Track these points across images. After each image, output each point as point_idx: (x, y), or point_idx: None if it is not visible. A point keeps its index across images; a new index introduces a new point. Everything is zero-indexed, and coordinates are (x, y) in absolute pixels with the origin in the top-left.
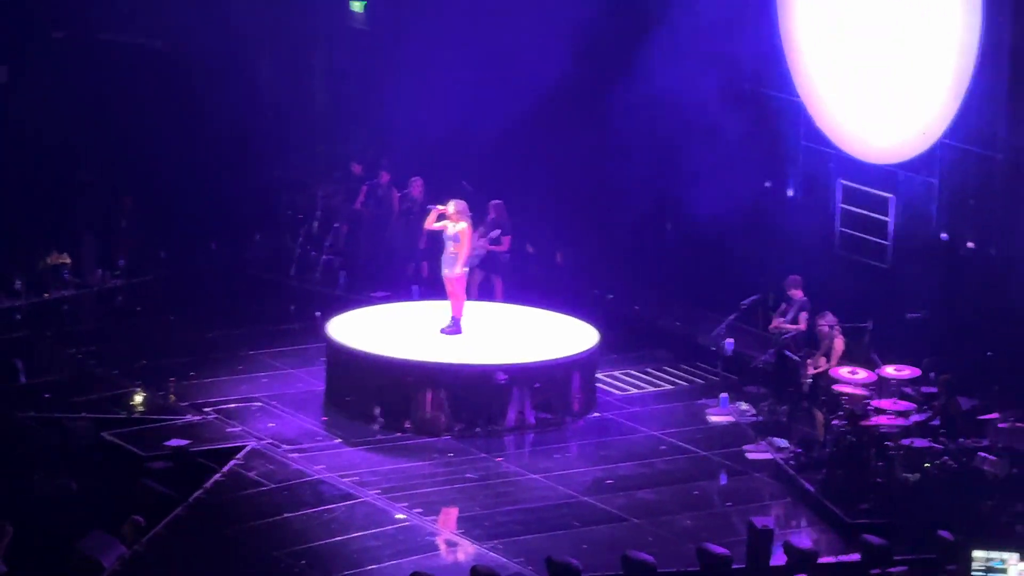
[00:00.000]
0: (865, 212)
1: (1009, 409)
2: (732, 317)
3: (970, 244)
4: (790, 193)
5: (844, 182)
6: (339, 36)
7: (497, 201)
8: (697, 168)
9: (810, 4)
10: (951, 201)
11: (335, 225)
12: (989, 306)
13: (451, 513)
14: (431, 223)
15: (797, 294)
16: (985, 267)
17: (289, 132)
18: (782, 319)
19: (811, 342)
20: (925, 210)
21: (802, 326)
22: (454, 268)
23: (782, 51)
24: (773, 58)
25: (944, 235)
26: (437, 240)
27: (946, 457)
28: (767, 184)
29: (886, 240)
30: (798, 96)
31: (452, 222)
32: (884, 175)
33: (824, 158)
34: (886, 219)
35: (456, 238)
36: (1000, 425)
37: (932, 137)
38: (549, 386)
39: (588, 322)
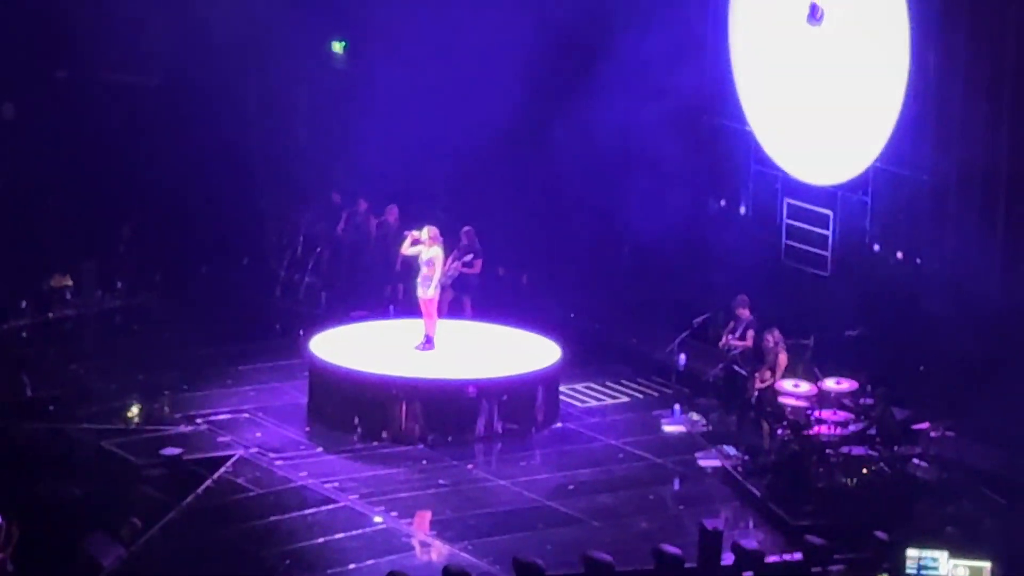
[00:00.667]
0: (808, 227)
1: (939, 419)
2: (685, 334)
3: (899, 254)
4: (742, 210)
5: (789, 200)
6: (320, 75)
7: (467, 228)
8: (655, 193)
9: (756, 42)
10: (883, 217)
11: (317, 250)
12: (916, 313)
13: (425, 516)
14: (407, 248)
15: (744, 313)
16: (913, 276)
17: (274, 164)
18: (731, 336)
19: (757, 357)
20: (860, 225)
21: (749, 343)
22: (427, 290)
23: (734, 85)
24: (726, 91)
25: (876, 246)
26: (411, 263)
27: (882, 464)
28: (722, 203)
29: (826, 251)
30: (748, 125)
31: (426, 247)
32: (824, 194)
33: (772, 179)
34: (826, 233)
35: (430, 262)
36: (931, 434)
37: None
38: (515, 399)
39: (551, 339)
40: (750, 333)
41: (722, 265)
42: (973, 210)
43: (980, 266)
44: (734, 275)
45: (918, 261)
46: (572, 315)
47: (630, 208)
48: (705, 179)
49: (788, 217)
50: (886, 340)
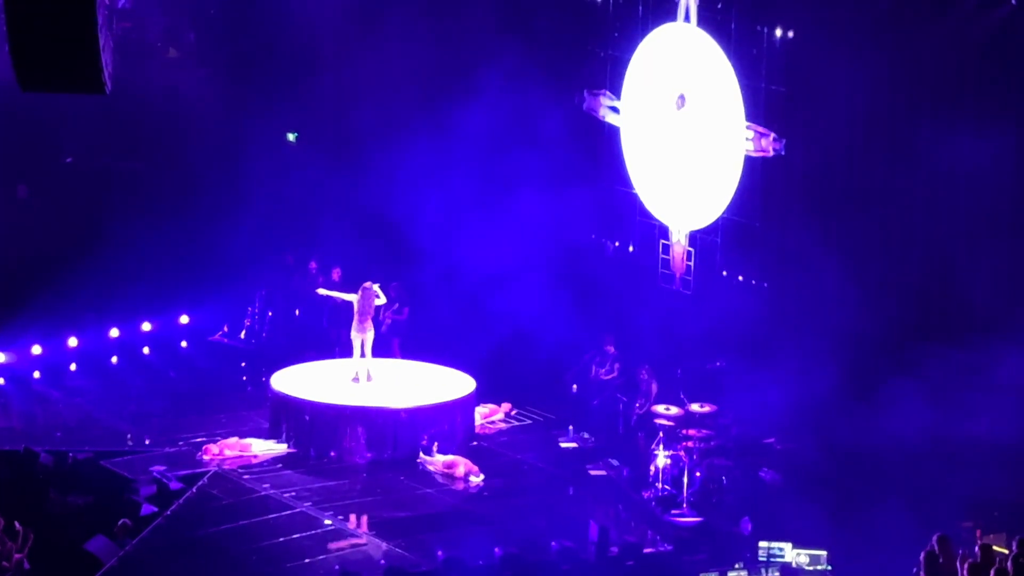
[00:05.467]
0: (676, 259)
1: (781, 435)
2: (575, 369)
3: (740, 277)
4: (630, 249)
5: (664, 241)
6: (277, 158)
7: (395, 283)
8: (566, 241)
9: (637, 128)
10: (728, 251)
11: (275, 302)
12: (763, 336)
13: (365, 519)
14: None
15: (610, 349)
16: (759, 294)
17: (239, 231)
18: (601, 370)
19: (633, 386)
20: (712, 257)
21: (616, 374)
22: (355, 331)
23: (624, 160)
24: (617, 163)
25: (724, 272)
26: (350, 311)
27: (737, 472)
28: (616, 243)
29: (690, 276)
30: (634, 189)
31: (356, 297)
32: (689, 236)
33: (651, 228)
34: (690, 263)
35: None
36: (776, 447)
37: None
38: (439, 422)
39: (468, 373)
40: (616, 366)
41: (616, 288)
42: (777, 246)
43: (797, 285)
44: (625, 295)
45: (753, 282)
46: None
47: (550, 259)
48: (604, 228)
49: (663, 254)
50: (738, 369)
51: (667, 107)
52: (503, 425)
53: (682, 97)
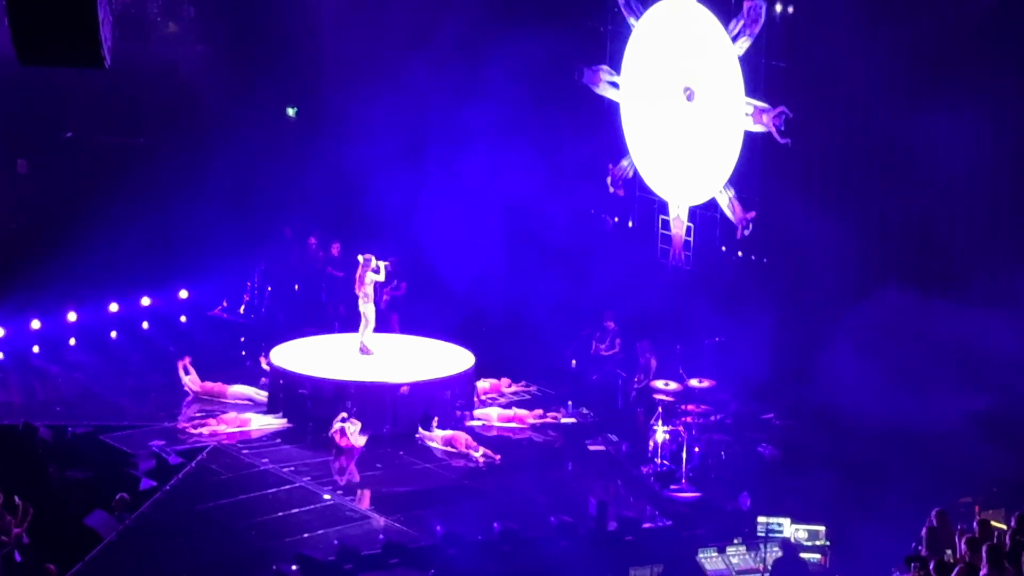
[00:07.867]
0: (675, 234)
1: (779, 410)
2: (575, 344)
3: (739, 253)
4: (630, 224)
5: (663, 217)
6: (276, 132)
7: (392, 259)
8: (569, 214)
9: (639, 111)
10: (727, 228)
11: (274, 276)
12: (759, 310)
13: (365, 494)
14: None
15: (610, 325)
16: (758, 270)
17: (237, 206)
18: (601, 346)
19: (632, 361)
20: (712, 233)
21: (616, 349)
22: (363, 303)
23: (624, 138)
24: (618, 142)
25: (723, 247)
26: (349, 286)
27: (736, 447)
28: (616, 219)
29: (689, 252)
30: (634, 164)
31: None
32: (688, 211)
33: (651, 203)
34: (689, 239)
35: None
36: (774, 423)
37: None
38: (438, 397)
39: (467, 348)
40: (617, 341)
41: (615, 263)
42: (776, 222)
43: (796, 260)
44: (624, 270)
45: (752, 257)
46: (483, 329)
47: (551, 231)
48: (603, 203)
49: (662, 229)
50: (739, 344)
51: (668, 86)
52: (502, 400)
53: (689, 90)
